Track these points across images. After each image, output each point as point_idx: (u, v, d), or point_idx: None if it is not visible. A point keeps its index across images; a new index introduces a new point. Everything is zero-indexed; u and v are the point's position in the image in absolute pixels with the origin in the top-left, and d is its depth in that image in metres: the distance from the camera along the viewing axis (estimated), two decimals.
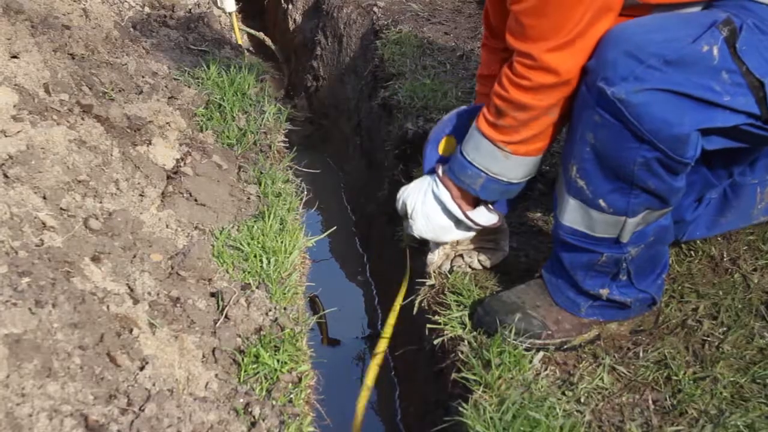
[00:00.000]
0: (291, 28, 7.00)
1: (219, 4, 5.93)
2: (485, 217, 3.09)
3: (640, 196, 2.62)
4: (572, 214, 2.77)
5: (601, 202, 2.66)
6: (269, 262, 3.44)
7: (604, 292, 2.90)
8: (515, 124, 2.70)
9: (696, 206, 3.22)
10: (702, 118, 2.44)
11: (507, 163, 2.80)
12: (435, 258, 3.34)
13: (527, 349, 2.97)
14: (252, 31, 6.40)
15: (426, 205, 3.09)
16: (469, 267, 3.34)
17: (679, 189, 2.63)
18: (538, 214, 3.65)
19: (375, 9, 5.67)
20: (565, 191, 2.75)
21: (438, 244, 3.32)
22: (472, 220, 3.05)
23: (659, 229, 2.80)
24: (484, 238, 3.30)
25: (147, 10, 5.76)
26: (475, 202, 3.10)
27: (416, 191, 3.14)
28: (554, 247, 2.97)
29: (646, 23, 2.50)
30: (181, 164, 3.88)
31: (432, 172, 3.14)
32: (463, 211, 3.03)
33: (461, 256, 3.33)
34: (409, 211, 3.14)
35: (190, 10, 6.02)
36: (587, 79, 2.55)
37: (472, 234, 3.21)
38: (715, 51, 2.40)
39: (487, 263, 3.33)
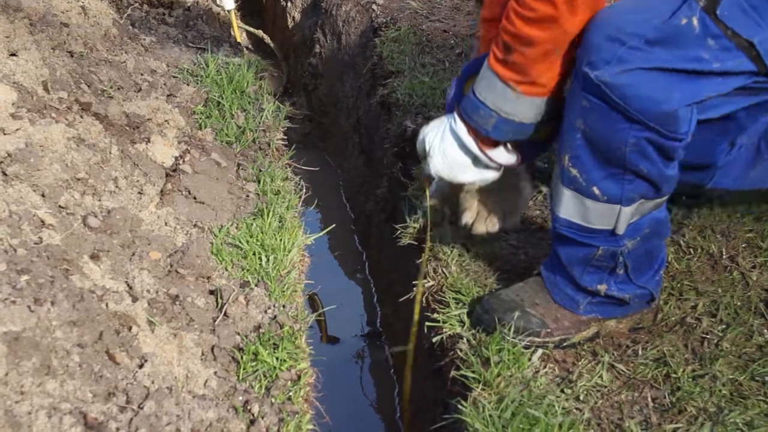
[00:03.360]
0: (290, 26, 7.00)
1: (218, 2, 5.92)
2: (504, 156, 3.00)
3: (634, 182, 2.62)
4: (567, 205, 2.77)
5: (595, 190, 2.66)
6: (268, 259, 3.44)
7: (602, 288, 2.90)
8: (523, 61, 2.66)
9: (728, 151, 3.18)
10: (691, 92, 2.45)
11: (518, 103, 2.76)
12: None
13: (526, 347, 2.97)
14: (251, 29, 6.39)
15: (444, 142, 3.02)
16: (487, 231, 3.25)
17: (672, 177, 2.64)
18: (537, 212, 3.65)
19: (374, 6, 5.66)
20: (560, 182, 2.75)
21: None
22: (488, 157, 2.98)
23: (654, 221, 2.80)
24: (502, 196, 3.21)
25: (146, 7, 5.76)
26: (495, 145, 3.03)
27: (436, 128, 3.07)
28: (552, 243, 2.97)
29: (626, 4, 2.51)
30: (180, 162, 3.88)
31: (452, 110, 3.08)
32: (479, 146, 2.96)
33: (484, 219, 3.25)
34: (427, 148, 3.07)
35: (188, 7, 6.01)
36: (575, 67, 2.56)
37: (490, 176, 3.09)
38: (695, 22, 2.39)
39: (508, 223, 3.25)
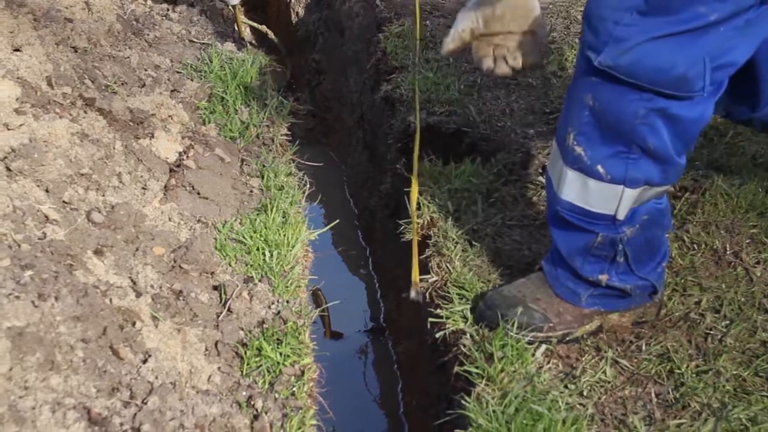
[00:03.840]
0: (293, 21, 7.00)
1: None
2: None
3: (639, 160, 2.61)
4: (570, 187, 2.76)
5: (600, 168, 2.65)
6: (272, 255, 3.44)
7: (603, 278, 2.90)
8: None
9: None
10: (695, 52, 2.43)
11: None
12: (453, 35, 3.18)
13: (530, 343, 2.97)
14: (255, 24, 6.38)
15: None
16: (512, 69, 3.18)
17: (678, 163, 2.65)
18: (541, 208, 3.65)
19: (377, 2, 5.66)
20: (563, 163, 2.73)
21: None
22: None
23: (654, 209, 2.80)
24: (522, 32, 3.13)
25: (150, 2, 5.75)
26: None
27: None
28: (552, 235, 2.97)
29: None
30: (184, 157, 3.88)
31: None
32: None
33: (504, 58, 3.19)
34: None
35: (192, 3, 6.01)
36: (581, 48, 2.56)
37: None
38: None
39: (529, 60, 3.19)
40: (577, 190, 2.74)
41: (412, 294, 3.38)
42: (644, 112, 2.50)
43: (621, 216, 2.73)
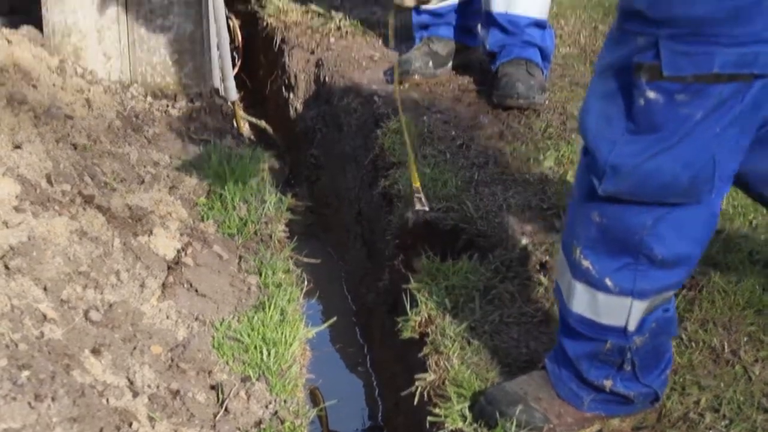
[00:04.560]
0: (292, 117, 7.05)
1: (221, 93, 5.98)
2: None
3: (647, 271, 2.61)
4: (580, 300, 2.76)
5: (608, 281, 2.65)
6: (269, 353, 3.43)
7: (607, 383, 2.88)
8: None
9: None
10: (697, 157, 2.42)
11: None
12: None
13: None
14: (253, 120, 6.44)
15: None
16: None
17: (689, 268, 2.66)
18: (539, 305, 3.65)
19: (375, 98, 5.70)
20: (571, 276, 2.75)
21: None
22: None
23: (662, 318, 2.79)
24: None
25: (149, 99, 5.81)
26: None
27: None
28: (558, 336, 2.96)
29: (593, 118, 2.52)
30: (182, 254, 3.89)
31: None
32: None
33: None
34: None
35: (192, 99, 6.06)
36: (584, 166, 2.59)
37: None
38: (652, 95, 2.37)
39: None
40: (586, 302, 2.74)
41: (417, 205, 3.33)
42: (651, 223, 2.52)
43: (631, 327, 2.73)
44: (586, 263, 2.67)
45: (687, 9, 2.27)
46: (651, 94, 2.38)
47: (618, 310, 2.70)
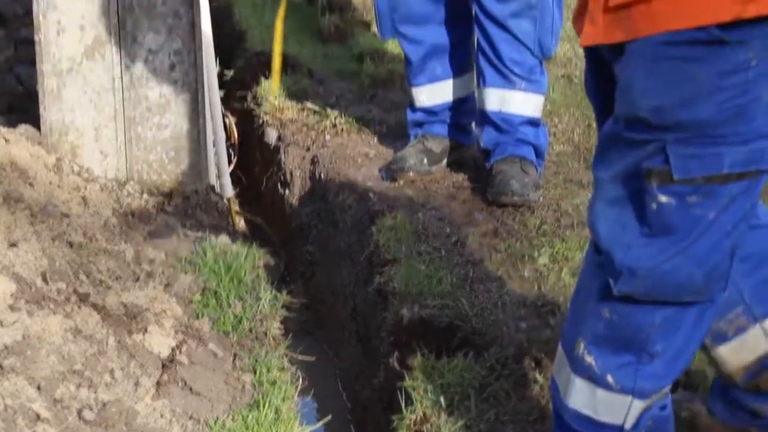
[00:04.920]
0: (287, 213, 7.08)
1: (217, 189, 6.02)
2: None
3: (647, 367, 2.60)
4: (577, 396, 2.73)
5: (609, 378, 2.63)
6: None
7: None
8: None
9: None
10: (712, 257, 2.43)
11: None
12: None
13: None
14: (249, 216, 6.48)
15: None
16: None
17: (689, 360, 2.66)
18: (534, 404, 3.63)
19: (370, 195, 5.74)
20: (570, 370, 2.73)
21: None
22: None
23: (658, 417, 2.78)
24: None
25: (145, 196, 5.83)
26: None
27: None
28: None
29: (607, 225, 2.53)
30: (177, 352, 3.88)
31: None
32: None
33: None
34: None
35: (187, 196, 6.08)
36: (595, 265, 2.59)
37: None
38: (664, 199, 2.38)
39: None
40: (584, 398, 2.72)
41: None
42: (660, 321, 2.52)
43: (628, 426, 2.71)
44: (589, 359, 2.65)
45: (691, 113, 2.30)
46: (663, 198, 2.38)
47: (617, 408, 2.68)
